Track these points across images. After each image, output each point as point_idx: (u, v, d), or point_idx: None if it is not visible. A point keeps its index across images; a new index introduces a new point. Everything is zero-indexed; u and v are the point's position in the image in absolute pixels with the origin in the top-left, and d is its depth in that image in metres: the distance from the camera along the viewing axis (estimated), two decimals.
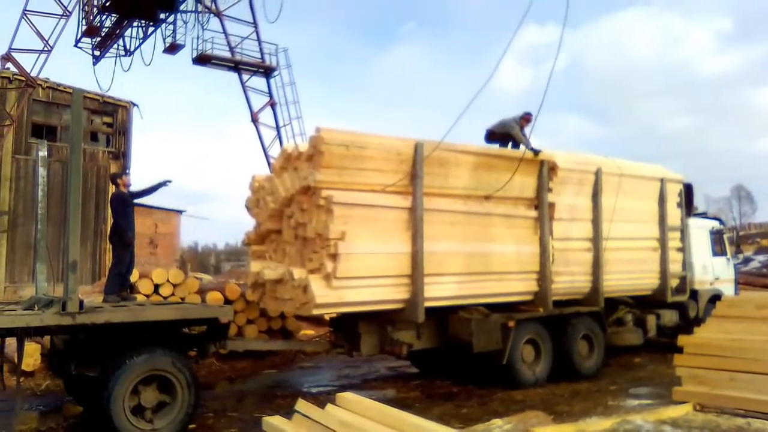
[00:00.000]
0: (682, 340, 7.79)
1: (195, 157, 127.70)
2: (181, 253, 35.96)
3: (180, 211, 32.78)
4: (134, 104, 24.74)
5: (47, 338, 7.79)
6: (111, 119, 24.68)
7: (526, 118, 9.82)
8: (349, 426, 4.49)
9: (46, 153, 7.62)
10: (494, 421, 5.61)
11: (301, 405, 5.08)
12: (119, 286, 7.90)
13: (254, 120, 21.07)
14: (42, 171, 7.47)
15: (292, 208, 7.84)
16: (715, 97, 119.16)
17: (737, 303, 8.94)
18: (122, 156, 24.51)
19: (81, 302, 5.85)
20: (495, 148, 9.68)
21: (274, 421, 5.06)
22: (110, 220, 23.94)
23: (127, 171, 7.75)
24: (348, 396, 5.23)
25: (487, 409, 7.61)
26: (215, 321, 6.85)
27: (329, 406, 5.02)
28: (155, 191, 8.50)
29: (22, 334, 5.84)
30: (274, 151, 21.16)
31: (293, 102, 21.39)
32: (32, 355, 9.04)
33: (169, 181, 8.37)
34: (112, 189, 23.58)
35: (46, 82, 22.08)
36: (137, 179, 8.72)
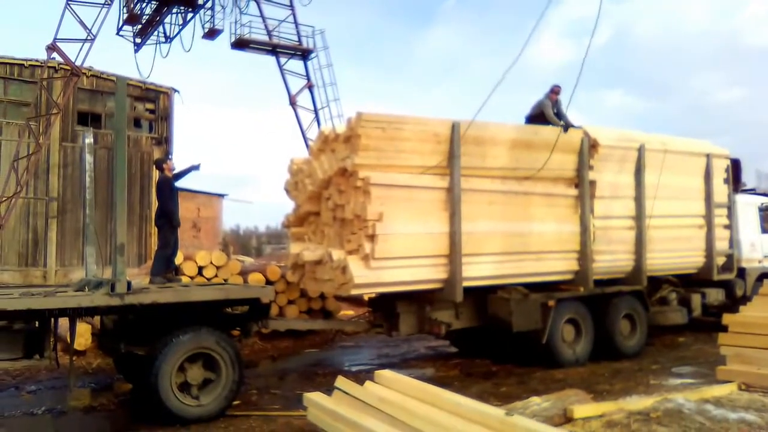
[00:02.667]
0: (727, 318, 7.63)
1: (235, 141, 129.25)
2: (224, 236, 36.63)
3: (222, 195, 33.31)
4: (175, 90, 25.14)
5: (98, 319, 8.11)
6: (153, 105, 25.14)
7: (554, 91, 9.78)
8: (388, 402, 4.57)
9: (92, 140, 7.86)
10: (532, 399, 5.60)
11: (341, 382, 5.18)
12: (165, 267, 8.12)
13: (292, 103, 21.18)
14: (89, 158, 7.71)
15: (330, 190, 7.93)
16: (766, 68, 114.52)
17: None
18: (165, 141, 24.99)
19: (129, 283, 6.07)
20: (531, 126, 9.56)
21: (314, 397, 5.18)
22: (155, 205, 24.54)
23: (170, 156, 7.82)
24: (386, 373, 5.31)
25: (527, 387, 7.62)
26: (257, 301, 7.00)
27: (368, 383, 5.10)
28: (185, 175, 8.73)
29: (74, 314, 6.09)
30: (313, 134, 21.27)
31: (330, 84, 21.41)
32: (83, 335, 9.40)
33: (199, 166, 8.54)
34: (155, 174, 24.17)
35: (89, 70, 22.59)
36: (180, 164, 8.91)
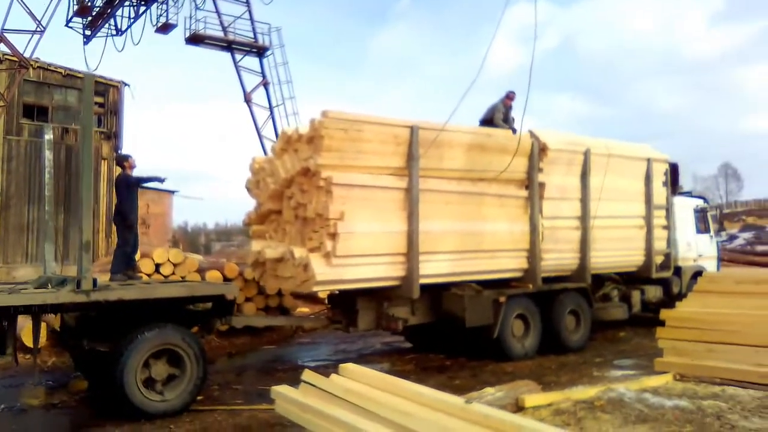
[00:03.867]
0: (664, 314, 8.19)
1: (187, 137, 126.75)
2: (173, 233, 36.08)
3: (172, 192, 32.80)
4: (125, 84, 24.68)
5: (52, 317, 8.06)
6: (102, 99, 24.60)
7: (509, 97, 10.24)
8: (355, 393, 4.82)
9: (51, 136, 7.81)
10: (486, 389, 5.96)
11: (308, 375, 5.38)
12: (125, 265, 8.14)
13: (247, 100, 21.14)
14: (48, 154, 7.68)
15: (293, 189, 8.12)
16: (707, 76, 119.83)
17: (717, 279, 9.36)
18: (114, 136, 24.50)
19: (94, 281, 6.13)
20: (486, 129, 9.95)
21: (282, 390, 5.37)
22: (103, 200, 23.92)
23: (129, 156, 7.70)
24: (350, 366, 5.54)
25: (479, 379, 7.99)
26: (222, 298, 7.13)
27: (334, 376, 5.33)
28: (147, 182, 8.75)
29: (39, 311, 6.11)
30: (268, 131, 21.32)
31: (286, 82, 21.49)
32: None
33: (164, 179, 8.58)
34: (104, 169, 23.64)
35: (36, 62, 21.98)
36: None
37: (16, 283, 7.59)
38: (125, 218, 8.24)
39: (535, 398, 5.93)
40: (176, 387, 6.55)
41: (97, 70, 21.51)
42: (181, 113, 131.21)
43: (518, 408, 5.74)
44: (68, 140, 22.63)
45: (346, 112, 7.68)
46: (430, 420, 4.20)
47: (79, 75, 22.23)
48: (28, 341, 7.94)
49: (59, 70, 22.77)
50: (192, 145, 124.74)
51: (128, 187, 8.21)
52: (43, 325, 9.32)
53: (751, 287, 8.32)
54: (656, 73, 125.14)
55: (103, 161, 24.20)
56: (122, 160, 8.36)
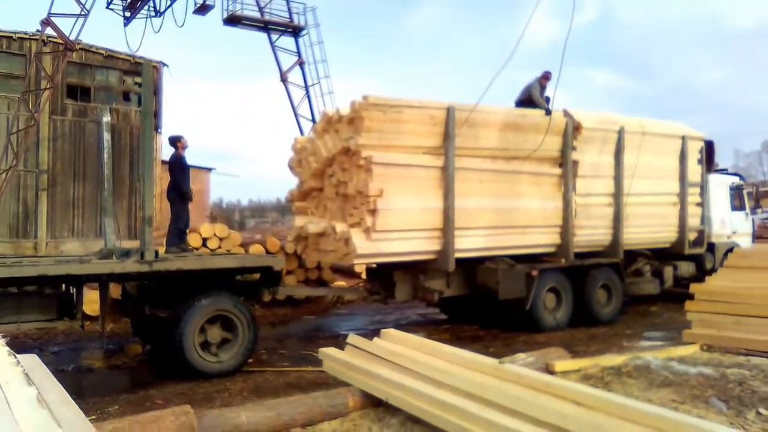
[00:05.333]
0: (694, 287, 8.43)
1: (223, 116, 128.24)
2: (211, 209, 37.00)
3: (209, 169, 33.61)
4: (164, 64, 25.29)
5: (113, 286, 8.67)
6: (141, 79, 25.24)
7: (545, 77, 10.39)
8: (396, 354, 5.25)
9: (109, 118, 8.32)
10: (518, 355, 6.34)
11: (353, 338, 5.83)
12: (179, 239, 8.68)
13: (283, 79, 21.55)
14: (107, 135, 8.20)
15: (334, 167, 8.53)
16: (750, 50, 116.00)
17: (747, 254, 9.55)
18: (154, 116, 25.20)
19: (156, 252, 6.66)
20: (519, 109, 10.19)
21: (330, 351, 5.83)
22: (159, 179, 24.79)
23: (181, 137, 8.15)
24: (392, 331, 5.98)
25: (512, 348, 8.33)
26: (269, 269, 7.63)
27: (377, 339, 5.77)
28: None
29: (107, 279, 6.68)
30: (303, 110, 21.75)
31: (321, 61, 21.80)
32: (96, 302, 9.96)
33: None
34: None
35: (78, 43, 22.70)
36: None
37: (79, 256, 8.18)
38: (183, 195, 8.74)
39: (564, 364, 6.29)
40: (230, 350, 7.10)
41: (138, 51, 22.19)
42: (218, 93, 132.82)
43: (548, 372, 6.10)
44: (99, 118, 23.44)
45: (385, 97, 8.03)
46: (467, 378, 4.60)
47: (120, 56, 22.91)
48: (88, 310, 8.59)
49: (100, 51, 23.41)
50: (228, 124, 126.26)
51: (182, 167, 8.70)
52: (97, 294, 10.06)
53: None
54: (698, 46, 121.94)
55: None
56: (175, 141, 8.81)
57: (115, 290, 8.60)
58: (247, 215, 65.88)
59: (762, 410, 5.03)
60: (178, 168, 8.62)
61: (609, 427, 3.52)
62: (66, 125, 23.02)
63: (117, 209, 18.10)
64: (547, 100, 10.29)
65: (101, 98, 23.94)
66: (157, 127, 24.85)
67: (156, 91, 25.57)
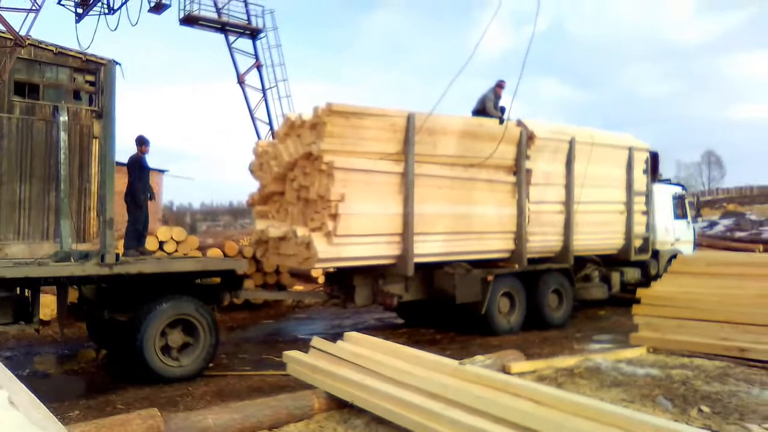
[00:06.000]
0: (640, 292, 8.86)
1: (177, 117, 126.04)
2: (163, 212, 36.34)
3: (162, 171, 33.03)
4: (116, 63, 24.78)
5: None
6: (94, 78, 24.69)
7: (499, 85, 10.76)
8: (361, 357, 5.38)
9: (67, 118, 8.20)
10: (476, 357, 6.58)
11: (317, 341, 5.94)
12: (137, 242, 8.61)
13: (240, 82, 21.44)
14: (63, 135, 8.07)
15: (296, 171, 8.61)
16: (693, 64, 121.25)
17: (690, 261, 10.06)
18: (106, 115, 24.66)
19: (117, 255, 6.61)
20: (476, 118, 10.48)
21: (293, 354, 5.92)
22: (97, 179, 24.13)
23: (147, 141, 8.10)
24: (355, 334, 6.11)
25: (468, 351, 8.57)
26: (232, 272, 7.65)
27: (340, 342, 5.89)
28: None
29: (66, 283, 6.59)
30: (261, 114, 21.67)
31: (279, 64, 21.78)
32: (49, 305, 9.76)
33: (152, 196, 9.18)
34: (95, 148, 23.78)
35: (27, 39, 22.04)
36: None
37: (36, 258, 8.03)
38: (135, 198, 8.67)
39: (520, 365, 6.55)
40: (191, 354, 7.09)
41: (89, 49, 21.68)
42: (173, 94, 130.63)
43: (505, 373, 6.35)
44: (57, 118, 22.80)
45: (347, 104, 8.17)
46: (429, 379, 4.77)
47: (71, 53, 22.42)
48: (41, 314, 8.41)
49: (50, 48, 22.82)
50: (181, 126, 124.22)
51: (140, 168, 8.64)
52: (53, 299, 9.84)
53: (720, 269, 9.01)
54: (643, 59, 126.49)
55: (94, 140, 24.34)
56: (141, 143, 8.71)
57: (71, 294, 8.47)
58: (198, 219, 64.82)
59: (704, 407, 5.36)
60: (135, 169, 8.54)
61: (566, 424, 3.74)
62: (13, 123, 22.32)
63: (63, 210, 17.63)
64: (503, 110, 10.63)
65: (50, 96, 23.32)
66: (103, 127, 24.36)
67: (104, 90, 25.09)
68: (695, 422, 4.94)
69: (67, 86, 23.55)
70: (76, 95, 24.52)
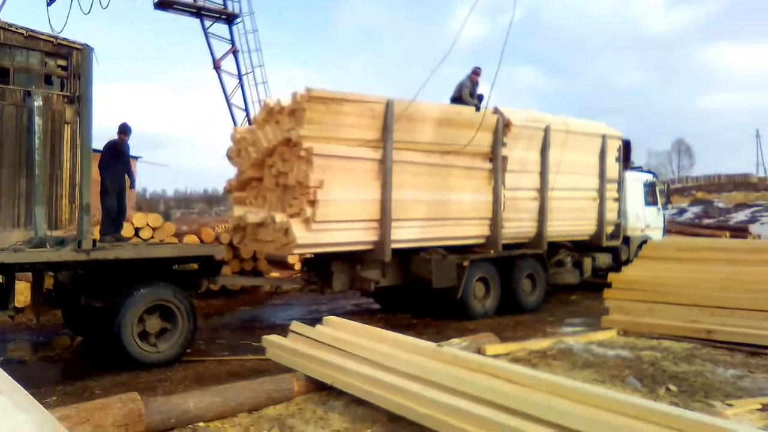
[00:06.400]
0: (612, 276, 9.09)
1: (152, 102, 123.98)
2: (137, 199, 35.91)
3: (136, 158, 32.58)
4: (90, 47, 24.33)
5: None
6: (66, 62, 24.20)
7: (475, 72, 10.86)
8: (341, 340, 5.46)
9: (41, 103, 8.09)
10: (453, 340, 6.70)
11: (296, 326, 6.01)
12: (114, 229, 8.53)
13: (216, 67, 21.25)
14: (38, 120, 7.97)
15: (274, 158, 8.61)
16: (666, 53, 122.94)
17: (660, 246, 10.33)
18: (77, 100, 24.21)
19: (94, 241, 6.58)
20: (454, 106, 10.56)
21: (273, 338, 5.99)
22: (68, 166, 23.75)
23: (129, 130, 7.99)
24: (334, 318, 6.20)
25: (444, 335, 8.68)
26: (210, 258, 7.66)
27: (319, 326, 5.97)
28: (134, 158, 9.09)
29: (42, 269, 6.54)
30: (236, 99, 21.52)
31: (255, 50, 21.65)
32: (23, 292, 9.65)
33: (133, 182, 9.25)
34: (66, 133, 23.38)
35: None
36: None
37: (10, 245, 7.93)
38: (104, 185, 8.54)
39: (494, 348, 6.71)
40: (168, 339, 7.09)
41: (61, 32, 21.25)
42: (146, 79, 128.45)
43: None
44: (29, 104, 22.31)
45: (327, 90, 8.19)
46: (408, 361, 4.88)
47: (42, 37, 21.92)
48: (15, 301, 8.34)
49: (21, 31, 22.28)
50: (155, 112, 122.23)
51: (112, 155, 8.49)
52: (27, 285, 9.73)
53: (688, 253, 9.28)
54: (617, 49, 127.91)
55: (66, 126, 23.91)
56: (122, 131, 8.55)
57: (46, 281, 8.40)
58: (172, 206, 64.11)
59: (671, 387, 5.58)
60: (107, 155, 8.43)
61: (540, 402, 3.87)
62: None
63: (35, 196, 17.34)
64: (480, 97, 10.72)
65: (21, 81, 22.79)
66: (79, 113, 23.91)
67: (80, 75, 24.62)
68: (663, 400, 5.13)
69: (38, 71, 23.05)
70: (48, 80, 24.02)
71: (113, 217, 8.63)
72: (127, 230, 10.89)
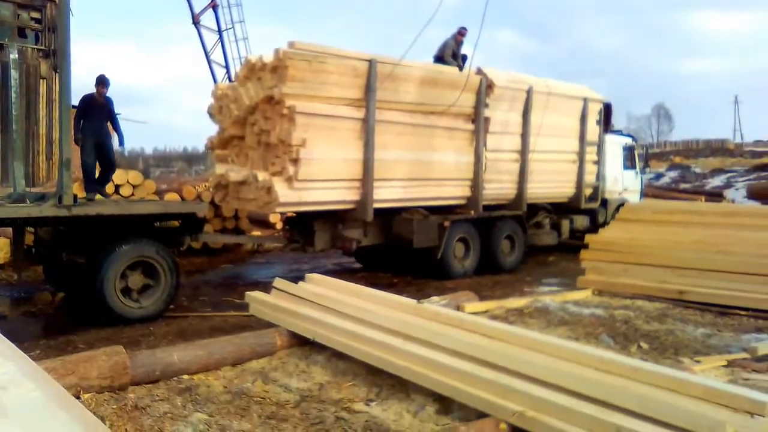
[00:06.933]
0: (588, 238, 9.28)
1: (128, 58, 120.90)
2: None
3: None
4: None
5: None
6: (39, 14, 23.50)
7: (460, 33, 10.78)
8: (323, 296, 5.56)
9: (17, 56, 7.92)
10: (432, 298, 6.85)
11: (279, 282, 6.10)
12: (94, 184, 8.38)
13: (195, 22, 20.77)
14: (14, 73, 7.80)
15: (256, 115, 8.55)
16: (647, 17, 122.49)
17: (637, 209, 10.52)
18: (53, 54, 23.61)
19: (75, 196, 6.54)
20: (437, 65, 10.51)
21: (256, 294, 6.07)
22: (44, 122, 23.29)
23: (107, 82, 7.65)
24: (316, 276, 6.29)
25: (424, 294, 8.80)
26: (193, 216, 7.66)
27: (301, 283, 6.07)
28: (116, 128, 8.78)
29: (23, 224, 6.51)
30: (216, 56, 21.13)
31: (236, 4, 21.14)
32: (3, 248, 9.62)
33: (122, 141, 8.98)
34: (42, 88, 22.88)
35: None
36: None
37: None
38: (75, 139, 8.23)
39: (473, 306, 6.87)
40: (151, 296, 7.15)
41: None
42: (122, 34, 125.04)
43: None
44: (4, 57, 21.74)
45: (310, 44, 8.11)
46: (389, 316, 5.00)
47: None
48: None
49: None
50: (133, 67, 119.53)
51: (83, 107, 8.10)
52: (6, 241, 9.68)
53: (664, 216, 9.48)
54: (598, 12, 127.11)
55: (41, 81, 23.38)
56: (100, 82, 8.21)
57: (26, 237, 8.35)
58: (151, 164, 63.30)
59: (642, 344, 5.79)
60: (79, 108, 8.13)
61: (516, 355, 4.01)
62: None
63: (9, 152, 17.02)
64: (464, 58, 10.67)
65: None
66: (55, 68, 23.32)
67: (55, 29, 23.92)
68: (634, 356, 5.32)
69: (11, 23, 22.40)
70: (21, 33, 23.35)
71: (89, 173, 8.43)
72: (107, 187, 10.79)
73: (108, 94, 8.42)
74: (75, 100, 8.07)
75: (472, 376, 3.90)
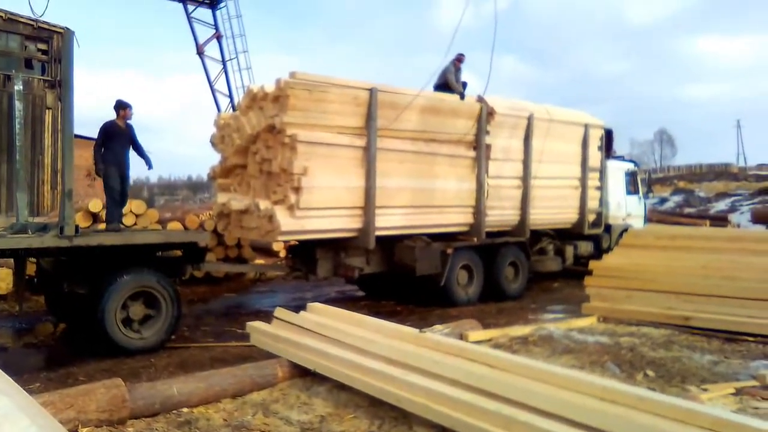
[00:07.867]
0: (592, 264, 9.22)
1: (133, 88, 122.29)
2: None
3: None
4: (70, 30, 23.97)
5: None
6: (46, 46, 23.87)
7: (458, 59, 10.86)
8: (324, 326, 5.52)
9: (21, 87, 7.99)
10: (435, 326, 6.79)
11: (280, 312, 6.06)
12: (120, 210, 8.10)
13: (200, 53, 21.06)
14: (18, 104, 7.86)
15: (258, 144, 8.60)
16: (649, 43, 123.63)
17: (640, 234, 10.48)
18: (58, 85, 23.90)
19: (77, 227, 6.55)
20: (438, 93, 10.58)
21: (258, 325, 6.03)
22: (50, 151, 23.49)
23: (130, 106, 7.22)
24: (317, 305, 6.25)
25: (427, 322, 8.78)
26: (194, 245, 7.64)
27: (303, 313, 6.02)
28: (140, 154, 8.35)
29: (25, 255, 6.50)
30: (220, 85, 21.36)
31: (240, 35, 21.44)
32: (5, 279, 9.61)
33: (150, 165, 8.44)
34: (48, 118, 23.10)
35: None
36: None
37: None
38: (96, 168, 8.13)
39: (477, 334, 6.80)
40: (152, 326, 7.09)
41: (42, 16, 20.91)
42: (129, 64, 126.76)
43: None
44: (10, 88, 22.00)
45: (311, 74, 8.18)
46: (390, 346, 4.95)
47: (22, 20, 21.62)
48: None
49: (0, 14, 21.97)
50: (138, 97, 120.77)
51: (105, 135, 7.91)
52: (8, 272, 9.66)
53: (667, 242, 9.42)
54: (599, 38, 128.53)
55: (47, 111, 23.65)
56: (118, 108, 7.93)
57: (28, 267, 8.34)
58: (156, 192, 63.59)
59: (649, 372, 5.70)
60: (100, 136, 7.86)
61: (519, 385, 3.95)
62: None
63: (14, 182, 17.14)
64: (464, 85, 10.74)
65: (0, 65, 22.44)
66: (61, 98, 23.60)
67: (61, 59, 24.25)
68: (641, 385, 5.24)
69: (18, 54, 22.75)
70: (28, 64, 23.68)
71: (115, 200, 7.99)
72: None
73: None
74: (78, 130, 7.99)
75: (474, 406, 3.84)
